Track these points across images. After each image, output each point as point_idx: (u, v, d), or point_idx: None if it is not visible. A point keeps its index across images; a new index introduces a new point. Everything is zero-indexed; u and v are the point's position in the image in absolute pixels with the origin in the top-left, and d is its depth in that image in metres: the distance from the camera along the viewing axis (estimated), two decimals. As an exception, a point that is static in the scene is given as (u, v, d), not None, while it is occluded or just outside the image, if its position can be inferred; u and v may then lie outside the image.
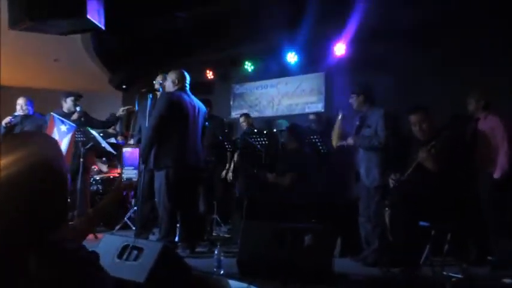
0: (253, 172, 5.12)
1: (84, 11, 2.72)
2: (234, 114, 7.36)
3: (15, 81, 8.70)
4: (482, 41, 4.87)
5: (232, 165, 5.74)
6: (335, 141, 4.09)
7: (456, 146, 3.33)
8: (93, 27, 2.95)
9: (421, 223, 3.19)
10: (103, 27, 3.02)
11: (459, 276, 3.18)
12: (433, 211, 3.16)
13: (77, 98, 5.07)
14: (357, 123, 3.86)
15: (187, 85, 4.02)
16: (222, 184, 5.84)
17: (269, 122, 6.81)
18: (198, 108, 4.05)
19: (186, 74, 4.03)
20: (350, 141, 3.85)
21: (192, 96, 4.04)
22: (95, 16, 2.86)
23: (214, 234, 5.50)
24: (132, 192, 4.45)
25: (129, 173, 3.94)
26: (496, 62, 4.76)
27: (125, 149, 4.05)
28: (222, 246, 3.29)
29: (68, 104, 5.07)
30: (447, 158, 3.16)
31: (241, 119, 6.10)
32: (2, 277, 0.94)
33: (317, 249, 2.98)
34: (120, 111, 5.58)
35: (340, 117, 4.08)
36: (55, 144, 1.13)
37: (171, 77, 4.00)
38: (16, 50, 7.41)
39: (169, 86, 4.00)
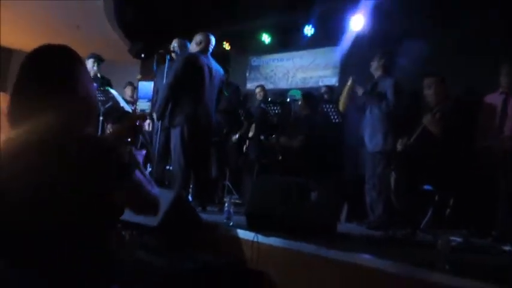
0: (265, 138, 5.24)
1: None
2: (250, 85, 7.46)
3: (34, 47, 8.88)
4: (506, 16, 4.82)
5: (241, 132, 5.84)
6: (342, 106, 4.17)
7: (462, 115, 3.37)
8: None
9: (425, 187, 3.28)
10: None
11: (459, 240, 3.27)
12: (438, 176, 3.25)
13: (96, 59, 5.21)
14: (368, 87, 3.92)
15: (210, 49, 4.13)
16: (236, 153, 5.98)
17: (281, 94, 6.90)
18: (216, 72, 4.16)
19: (211, 37, 4.15)
20: (360, 90, 3.89)
21: (212, 60, 4.16)
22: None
23: (224, 200, 5.65)
24: (146, 123, 4.54)
25: (143, 105, 4.09)
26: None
27: (140, 82, 4.19)
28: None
29: (88, 64, 5.22)
30: (451, 125, 3.22)
31: (257, 90, 6.20)
32: (48, 162, 1.12)
33: (322, 206, 3.10)
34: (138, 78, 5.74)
35: (350, 81, 4.12)
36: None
37: (196, 38, 4.15)
38: (38, 17, 7.59)
39: (193, 47, 4.15)
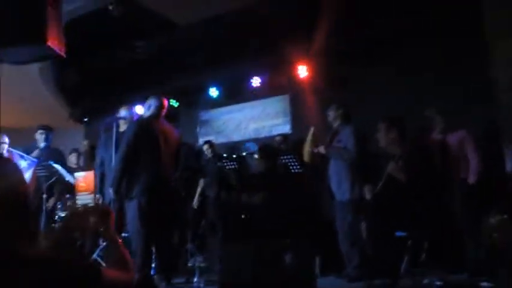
0: (224, 197, 5.05)
1: (44, 38, 2.63)
2: (202, 141, 7.29)
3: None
4: (435, 54, 5.12)
5: (198, 191, 5.65)
6: (307, 157, 4.11)
7: (422, 157, 3.41)
8: (54, 55, 2.85)
9: (398, 233, 3.21)
10: (64, 55, 2.92)
11: (439, 283, 3.20)
12: (408, 221, 3.20)
13: (45, 131, 4.92)
14: (328, 138, 3.92)
15: (162, 112, 3.96)
16: (193, 212, 5.71)
17: (234, 147, 6.78)
18: (171, 135, 3.97)
19: (163, 100, 4.00)
20: (322, 149, 3.89)
21: (165, 123, 3.98)
22: (55, 43, 2.77)
23: (189, 264, 5.33)
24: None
25: (84, 199, 3.69)
26: (449, 72, 4.98)
27: (76, 174, 3.82)
28: (200, 275, 3.17)
29: (37, 137, 4.95)
30: (414, 169, 3.24)
31: (205, 147, 6.04)
32: None
33: (299, 267, 2.93)
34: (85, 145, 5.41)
35: (311, 131, 4.10)
36: (15, 165, 1.11)
37: (148, 102, 3.99)
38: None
39: (145, 111, 3.98)
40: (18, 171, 1.10)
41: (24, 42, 2.63)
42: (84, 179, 3.77)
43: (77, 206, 3.61)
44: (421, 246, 3.27)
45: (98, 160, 4.29)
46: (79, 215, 1.39)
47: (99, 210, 1.41)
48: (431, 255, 3.38)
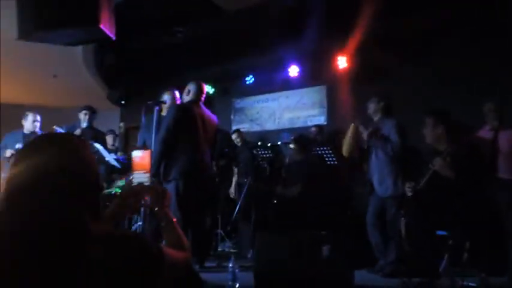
0: (258, 185, 5.06)
1: (96, 20, 2.68)
2: (235, 128, 7.32)
3: (10, 98, 8.54)
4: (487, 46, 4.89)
5: (234, 180, 5.70)
6: (347, 151, 4.03)
7: (472, 154, 3.30)
8: (104, 37, 2.90)
9: (439, 232, 3.13)
10: (113, 37, 2.97)
11: (477, 286, 3.11)
12: (451, 220, 3.12)
13: (85, 111, 5.05)
14: (369, 131, 3.83)
15: (202, 97, 4.00)
16: (224, 198, 5.77)
17: (267, 136, 6.76)
18: (209, 122, 4.00)
19: (202, 86, 4.03)
20: (365, 135, 3.79)
21: (205, 109, 4.01)
22: (107, 25, 2.82)
23: (219, 249, 5.41)
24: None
25: (140, 177, 3.70)
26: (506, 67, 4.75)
27: (134, 153, 3.85)
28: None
29: (80, 117, 5.11)
30: (463, 166, 3.13)
31: (234, 135, 6.05)
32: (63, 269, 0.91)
33: (337, 261, 2.91)
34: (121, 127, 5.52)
35: (353, 126, 4.01)
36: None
37: (188, 87, 4.03)
38: (11, 66, 7.32)
39: (184, 96, 4.02)
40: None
41: (78, 24, 2.68)
42: (141, 158, 3.80)
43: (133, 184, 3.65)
44: (463, 245, 3.17)
45: (140, 141, 4.38)
46: (135, 192, 1.40)
47: (156, 190, 1.42)
48: (474, 255, 3.28)
